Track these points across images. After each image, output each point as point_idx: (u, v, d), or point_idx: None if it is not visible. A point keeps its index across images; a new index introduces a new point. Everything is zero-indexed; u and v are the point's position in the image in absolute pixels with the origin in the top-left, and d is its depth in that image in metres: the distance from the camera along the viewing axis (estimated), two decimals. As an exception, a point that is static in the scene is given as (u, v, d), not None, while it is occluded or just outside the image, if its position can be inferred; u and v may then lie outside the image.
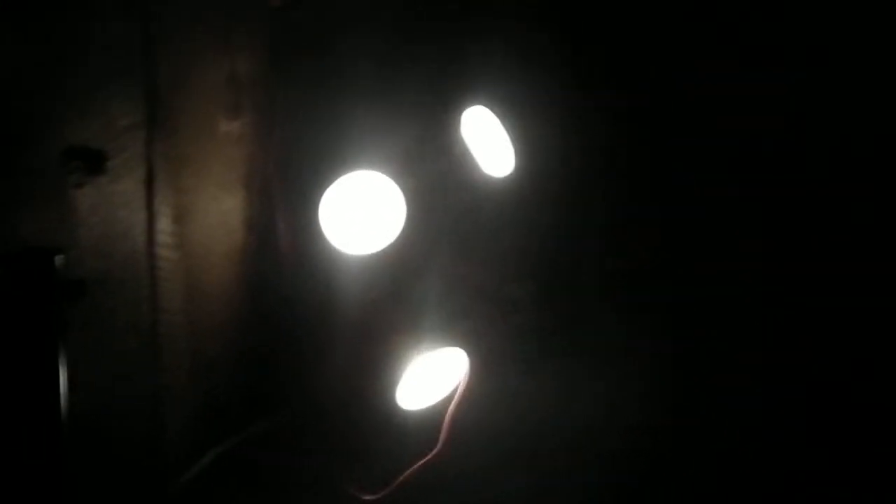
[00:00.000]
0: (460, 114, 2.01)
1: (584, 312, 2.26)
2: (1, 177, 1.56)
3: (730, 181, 2.23)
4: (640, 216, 2.28)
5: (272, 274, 2.00)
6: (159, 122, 1.80)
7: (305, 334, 2.00)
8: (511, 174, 2.09)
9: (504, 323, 2.15)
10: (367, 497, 1.99)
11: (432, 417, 2.03)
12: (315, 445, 2.00)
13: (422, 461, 1.99)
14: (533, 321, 2.21)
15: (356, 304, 1.98)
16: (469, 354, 2.02)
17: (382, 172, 1.91)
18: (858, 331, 2.18)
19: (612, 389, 2.18)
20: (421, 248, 1.97)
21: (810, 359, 2.19)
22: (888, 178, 2.16)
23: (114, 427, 1.76)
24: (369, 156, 1.92)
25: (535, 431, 2.15)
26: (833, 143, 2.19)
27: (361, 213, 1.91)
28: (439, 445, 2.00)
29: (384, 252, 1.93)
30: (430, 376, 2.01)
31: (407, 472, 1.99)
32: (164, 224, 1.83)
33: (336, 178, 1.90)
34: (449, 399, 2.03)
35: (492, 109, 2.08)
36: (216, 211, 1.95)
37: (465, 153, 2.00)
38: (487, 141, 2.06)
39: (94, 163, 1.69)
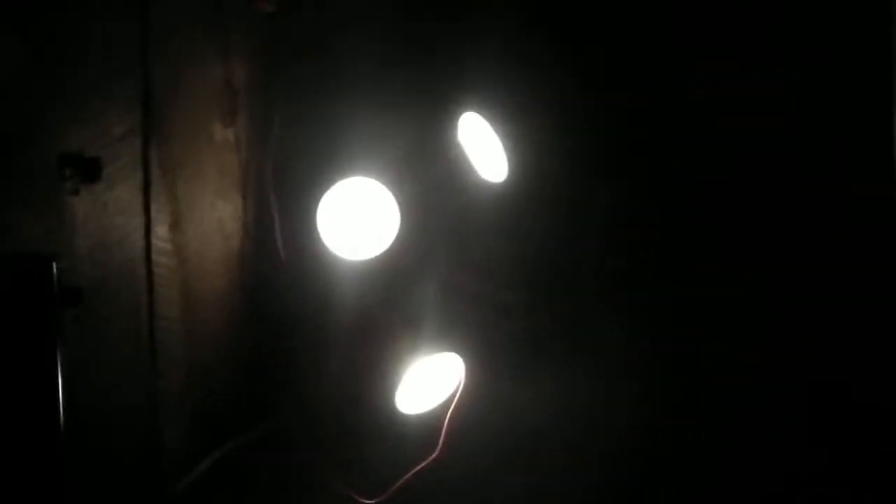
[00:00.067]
0: (456, 119, 2.01)
1: (582, 313, 2.26)
2: (-3, 184, 1.57)
3: (730, 181, 2.22)
4: (639, 216, 2.27)
5: (268, 280, 2.00)
6: (155, 130, 1.80)
7: (302, 340, 2.01)
8: (506, 179, 2.09)
9: (499, 329, 2.15)
10: (366, 501, 1.99)
11: (430, 421, 2.03)
12: (312, 450, 2.00)
13: (420, 465, 2.00)
14: (527, 327, 2.21)
15: (352, 309, 1.98)
16: (466, 359, 2.02)
17: (378, 178, 1.91)
18: (858, 331, 2.17)
19: (611, 390, 2.18)
20: (417, 254, 1.98)
21: (810, 359, 2.18)
22: (888, 178, 2.15)
23: (111, 433, 1.76)
24: (365, 162, 1.92)
25: (533, 433, 2.16)
26: (833, 143, 2.18)
27: (357, 218, 1.91)
28: (438, 449, 2.00)
29: (380, 257, 1.93)
30: (428, 381, 2.01)
31: (406, 476, 1.99)
32: (160, 231, 1.83)
33: (332, 185, 1.90)
34: (447, 403, 2.03)
35: (487, 114, 2.07)
36: (212, 218, 1.96)
37: (460, 158, 2.00)
38: (483, 146, 2.06)
39: (89, 170, 1.69)
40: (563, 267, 2.26)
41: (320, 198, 1.90)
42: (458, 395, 2.02)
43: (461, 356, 2.02)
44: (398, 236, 1.92)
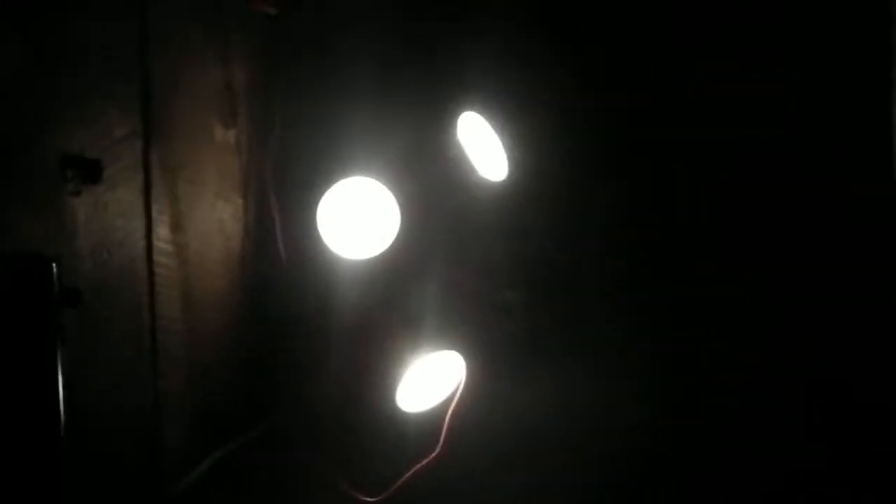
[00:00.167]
0: (455, 118, 2.01)
1: (582, 313, 2.26)
2: (-2, 185, 1.57)
3: (730, 181, 2.23)
4: (639, 216, 2.27)
5: (269, 280, 2.01)
6: (155, 131, 1.81)
7: (303, 339, 2.01)
8: (506, 178, 2.09)
9: (499, 328, 2.15)
10: (367, 499, 2.00)
11: (431, 420, 2.03)
12: (313, 449, 2.00)
13: (421, 463, 2.00)
14: (527, 326, 2.21)
15: (353, 308, 1.99)
16: (466, 357, 2.02)
17: (378, 178, 1.92)
18: (858, 331, 2.17)
19: (611, 389, 2.19)
20: (417, 253, 1.98)
21: (810, 359, 2.18)
22: (887, 178, 2.15)
23: (111, 433, 1.76)
24: (365, 161, 1.92)
25: (533, 432, 2.16)
26: (833, 143, 2.18)
27: (358, 218, 1.91)
28: (438, 447, 2.01)
29: (380, 257, 1.93)
30: (428, 379, 2.02)
31: (407, 474, 2.00)
32: (161, 232, 1.84)
33: (332, 184, 1.90)
34: (447, 401, 2.03)
35: (487, 114, 2.08)
36: (213, 218, 1.96)
37: (460, 158, 2.00)
38: (483, 145, 2.06)
39: (90, 172, 1.69)
40: (562, 266, 2.27)
41: (320, 197, 1.90)
42: (458, 393, 2.02)
43: (461, 355, 2.02)
44: (398, 235, 1.92)
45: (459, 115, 2.02)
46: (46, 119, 1.64)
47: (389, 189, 1.92)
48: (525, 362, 2.18)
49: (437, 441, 2.01)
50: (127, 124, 1.76)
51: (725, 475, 2.19)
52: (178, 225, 1.88)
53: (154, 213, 1.82)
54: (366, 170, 1.92)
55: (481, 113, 2.06)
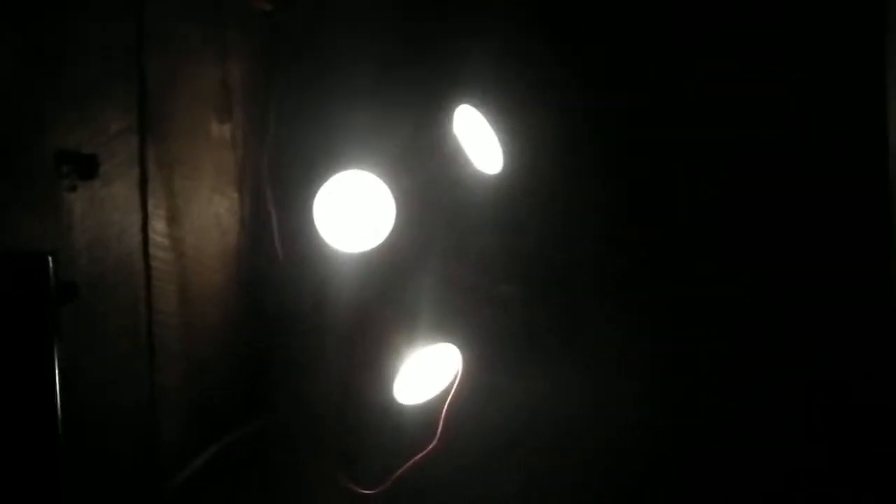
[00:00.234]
0: (452, 112, 2.01)
1: (579, 309, 2.26)
2: (-6, 180, 1.58)
3: (730, 181, 2.22)
4: (638, 215, 2.27)
5: (266, 274, 2.02)
6: (152, 127, 1.82)
7: (299, 333, 2.01)
8: (503, 172, 2.09)
9: (495, 322, 2.16)
10: (364, 492, 2.00)
11: (428, 413, 2.03)
12: (310, 442, 2.01)
13: (418, 456, 2.00)
14: (524, 321, 2.21)
15: (349, 302, 1.99)
16: (462, 350, 2.02)
17: (374, 171, 1.92)
18: (858, 331, 2.16)
19: (607, 386, 2.18)
20: (413, 246, 1.98)
21: (810, 359, 2.18)
22: (888, 178, 2.15)
23: (109, 428, 1.77)
24: (361, 155, 1.93)
25: (529, 426, 2.16)
26: (833, 143, 2.18)
27: (354, 211, 1.92)
28: (435, 440, 2.01)
29: (377, 250, 1.94)
30: (425, 372, 2.02)
31: (403, 467, 2.00)
32: (157, 226, 1.85)
33: (328, 178, 1.91)
34: (444, 394, 2.03)
35: (484, 108, 2.08)
36: (209, 213, 1.97)
37: (456, 151, 2.00)
38: (479, 140, 2.07)
39: (86, 167, 1.70)
40: (560, 262, 2.26)
41: (316, 192, 1.90)
42: (454, 386, 2.02)
43: (459, 347, 2.02)
44: (394, 229, 1.92)
45: (456, 109, 2.02)
46: (43, 115, 1.65)
47: (385, 183, 1.92)
48: (521, 357, 2.18)
49: (434, 434, 2.01)
50: (123, 120, 1.77)
51: (723, 474, 2.19)
52: (174, 220, 1.88)
53: (150, 209, 1.83)
54: (362, 164, 1.92)
55: (478, 108, 2.06)
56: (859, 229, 2.17)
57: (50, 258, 1.53)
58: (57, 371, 1.52)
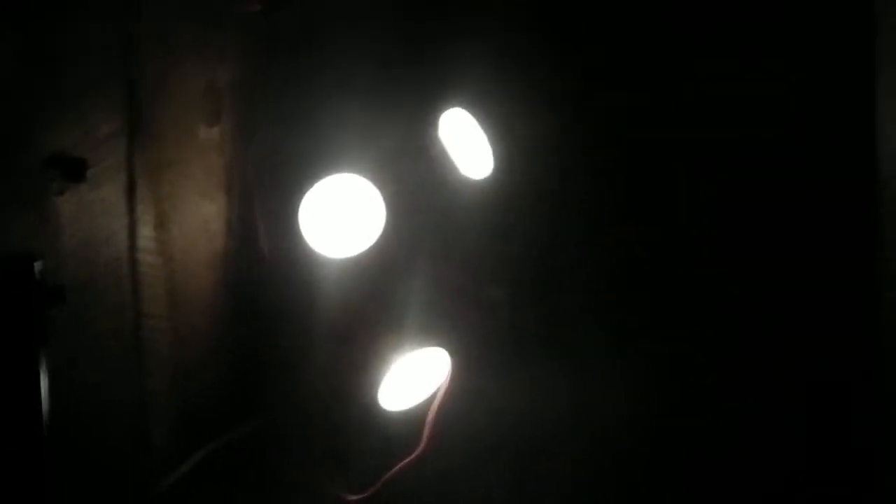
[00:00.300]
0: (439, 116, 2.02)
1: (567, 311, 2.26)
2: (-20, 184, 1.58)
3: (730, 181, 2.23)
4: (637, 216, 2.28)
5: (254, 278, 2.01)
6: (140, 130, 1.81)
7: (288, 337, 2.01)
8: (492, 176, 2.10)
9: (483, 325, 2.16)
10: (352, 497, 2.00)
11: (415, 417, 2.03)
12: (298, 447, 2.01)
13: (405, 461, 2.00)
14: (512, 324, 2.22)
15: (337, 306, 1.99)
16: (451, 354, 2.03)
17: (362, 175, 1.92)
18: (859, 331, 2.17)
19: (595, 387, 2.19)
20: (401, 251, 1.98)
21: (807, 359, 2.18)
22: (888, 178, 2.16)
23: (97, 433, 1.77)
24: (349, 159, 1.92)
25: (517, 429, 2.16)
26: (833, 143, 2.18)
27: (341, 216, 1.92)
28: (423, 445, 2.01)
29: (365, 255, 1.93)
30: (413, 377, 2.02)
31: (391, 472, 2.00)
32: (145, 230, 1.84)
33: (316, 182, 1.91)
34: (431, 399, 2.04)
35: (475, 111, 2.08)
36: (197, 217, 1.97)
37: (444, 155, 2.01)
38: (468, 142, 2.07)
39: (74, 171, 1.70)
40: (548, 264, 2.27)
41: (305, 195, 1.90)
42: (442, 390, 2.03)
43: (447, 351, 2.02)
44: (383, 233, 1.92)
45: (446, 112, 2.02)
46: (30, 118, 1.65)
47: (374, 186, 1.92)
48: (508, 360, 2.18)
49: (422, 438, 2.01)
50: (111, 123, 1.77)
51: (713, 476, 2.20)
52: (162, 223, 1.88)
53: (138, 212, 1.83)
54: (350, 167, 1.92)
55: (469, 110, 2.07)
56: (860, 229, 2.18)
57: (37, 261, 1.53)
58: (44, 375, 1.52)
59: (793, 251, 2.21)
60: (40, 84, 1.66)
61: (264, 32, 2.01)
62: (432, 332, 2.01)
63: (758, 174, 2.21)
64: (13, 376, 1.51)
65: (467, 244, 2.12)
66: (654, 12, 2.27)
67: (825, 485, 2.15)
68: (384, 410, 2.00)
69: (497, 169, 2.09)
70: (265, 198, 1.98)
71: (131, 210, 1.81)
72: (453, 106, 2.04)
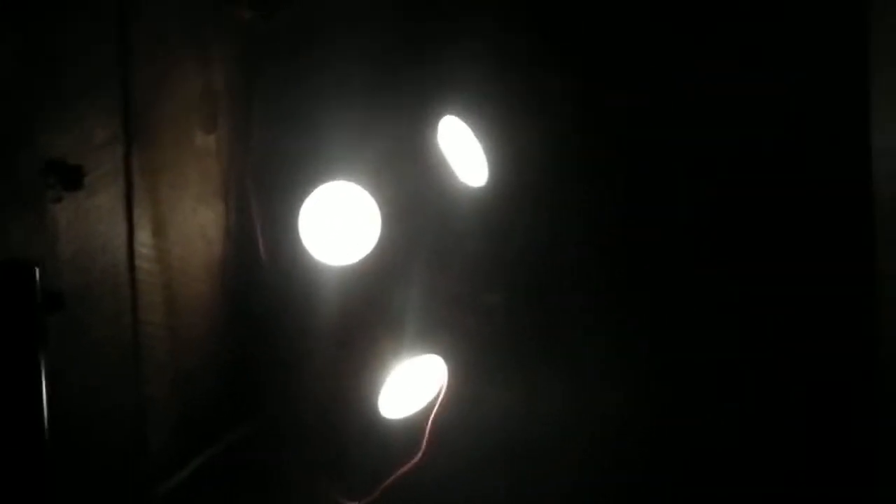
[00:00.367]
0: (436, 124, 2.02)
1: (563, 315, 2.26)
2: (-24, 191, 1.58)
3: (730, 181, 2.23)
4: (636, 216, 2.28)
5: (251, 285, 2.02)
6: (136, 137, 1.82)
7: (285, 344, 2.02)
8: (489, 182, 2.10)
9: (480, 331, 2.16)
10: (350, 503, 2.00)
11: (414, 424, 2.04)
12: (297, 453, 2.01)
13: (404, 467, 2.01)
14: (508, 329, 2.22)
15: (335, 313, 1.99)
16: (448, 361, 2.03)
17: (359, 183, 1.93)
18: (858, 331, 2.17)
19: (592, 391, 2.19)
20: (398, 258, 1.99)
21: (809, 359, 2.18)
22: (889, 178, 2.16)
23: (95, 438, 1.76)
24: (346, 166, 1.93)
25: (515, 435, 2.16)
26: (833, 142, 2.19)
27: (339, 223, 1.92)
28: (421, 451, 2.01)
29: (362, 262, 1.94)
30: (411, 384, 2.02)
31: (390, 479, 2.00)
32: (142, 237, 1.84)
33: (313, 189, 1.92)
34: (430, 405, 2.04)
35: (472, 118, 2.09)
36: (194, 223, 1.97)
37: (440, 163, 2.01)
38: (466, 149, 2.08)
39: (72, 178, 1.70)
40: (547, 265, 2.27)
41: (302, 202, 1.91)
42: (440, 397, 2.03)
43: (444, 358, 2.03)
44: (380, 240, 1.93)
45: (442, 118, 2.03)
46: (27, 125, 1.64)
47: (371, 193, 1.93)
48: (505, 365, 2.19)
49: (420, 444, 2.01)
50: (108, 130, 1.77)
51: (712, 477, 2.20)
52: (159, 230, 1.88)
53: (135, 219, 1.82)
54: (347, 174, 1.93)
55: (465, 117, 2.07)
56: (859, 229, 2.18)
57: (37, 268, 1.52)
58: (43, 380, 1.52)
59: (792, 251, 2.21)
60: (36, 91, 1.65)
61: (261, 38, 2.02)
62: (430, 339, 2.02)
63: (757, 174, 2.22)
64: (13, 382, 1.51)
65: (464, 251, 2.13)
66: (655, 12, 2.27)
67: (825, 485, 2.15)
68: (383, 417, 2.00)
69: (494, 175, 2.09)
70: (263, 204, 1.98)
71: (129, 217, 1.81)
72: (451, 112, 2.05)
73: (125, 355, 1.83)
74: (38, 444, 1.51)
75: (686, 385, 2.23)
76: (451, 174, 2.03)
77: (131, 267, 1.82)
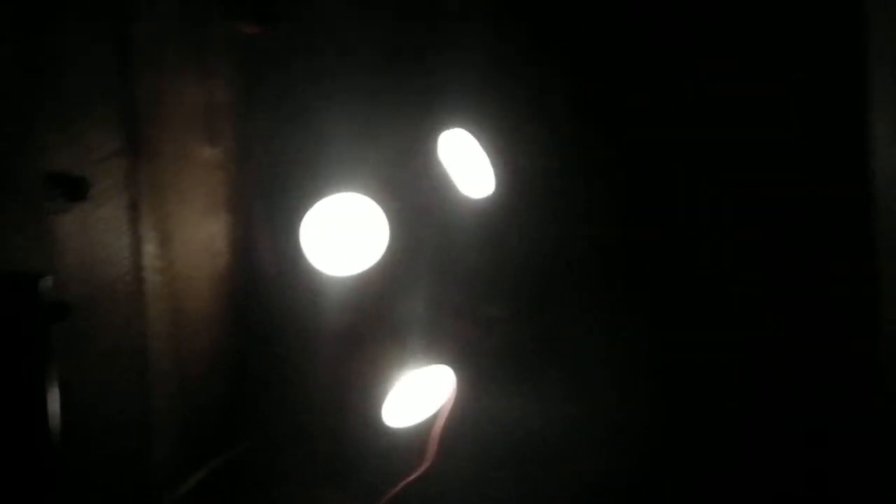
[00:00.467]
0: (442, 135, 2.03)
1: (566, 323, 2.26)
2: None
3: (730, 181, 2.23)
4: (639, 216, 2.28)
5: (256, 296, 2.03)
6: (140, 149, 1.83)
7: (291, 356, 2.02)
8: (494, 191, 2.11)
9: (484, 341, 2.16)
10: (356, 514, 2.01)
11: (420, 434, 2.04)
12: (301, 463, 2.01)
13: (410, 477, 2.01)
14: (512, 339, 2.22)
15: (340, 325, 2.00)
16: (454, 371, 2.04)
17: (364, 194, 1.94)
18: (858, 331, 2.17)
19: (596, 399, 2.19)
20: (402, 269, 1.99)
21: (812, 361, 2.18)
22: (890, 178, 2.16)
23: (101, 448, 1.77)
24: (350, 178, 1.94)
25: (520, 444, 2.16)
26: (833, 142, 2.18)
27: (343, 235, 1.93)
28: (427, 461, 2.02)
29: (366, 273, 1.95)
30: (416, 394, 2.03)
31: (395, 489, 2.01)
32: (148, 249, 1.85)
33: (317, 201, 1.92)
34: (436, 415, 2.04)
35: (475, 129, 2.10)
36: (200, 235, 1.98)
37: (444, 175, 2.02)
38: (467, 162, 2.08)
39: (77, 189, 1.71)
40: (547, 274, 2.27)
41: (306, 214, 1.92)
42: (446, 407, 2.03)
43: (450, 368, 2.03)
44: (385, 251, 1.94)
45: (446, 130, 2.04)
46: (32, 137, 1.66)
47: (377, 205, 1.93)
48: (510, 375, 2.19)
49: (426, 455, 2.02)
50: (113, 142, 1.78)
51: (719, 481, 2.19)
52: (165, 241, 1.89)
53: (141, 231, 1.84)
54: (352, 186, 1.94)
55: (469, 129, 2.08)
56: (860, 230, 2.17)
57: (42, 279, 1.53)
58: (50, 391, 1.53)
59: (792, 251, 2.21)
60: (41, 103, 1.67)
61: (263, 52, 2.03)
62: (435, 350, 2.02)
63: (758, 174, 2.21)
64: (19, 392, 1.51)
65: (467, 263, 2.13)
66: (655, 12, 2.27)
67: (826, 485, 2.14)
68: (388, 427, 2.00)
69: (497, 184, 2.10)
70: (268, 216, 1.99)
71: (134, 229, 1.82)
72: (453, 125, 2.06)
73: (130, 366, 1.84)
74: (46, 454, 1.52)
75: (688, 385, 2.22)
76: (455, 185, 2.04)
77: (137, 278, 1.83)
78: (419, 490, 2.02)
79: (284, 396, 2.05)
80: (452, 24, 2.20)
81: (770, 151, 2.21)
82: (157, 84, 1.89)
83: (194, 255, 1.96)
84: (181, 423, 1.94)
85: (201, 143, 1.98)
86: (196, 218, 1.97)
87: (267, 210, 2.00)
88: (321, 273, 1.93)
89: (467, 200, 2.06)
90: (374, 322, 2.03)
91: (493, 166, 2.10)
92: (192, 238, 1.96)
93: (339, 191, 1.93)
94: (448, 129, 2.05)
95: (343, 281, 1.95)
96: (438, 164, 2.01)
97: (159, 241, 1.88)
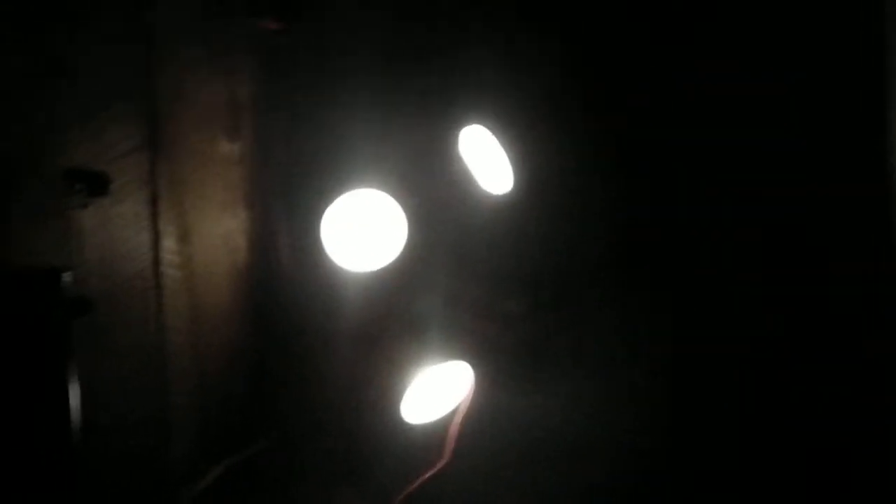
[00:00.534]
0: (462, 130, 2.03)
1: (585, 319, 2.26)
2: (4, 197, 1.59)
3: (730, 181, 2.23)
4: (639, 216, 2.28)
5: (275, 292, 2.02)
6: (162, 144, 1.83)
7: (309, 351, 2.02)
8: (512, 188, 2.10)
9: (503, 337, 2.16)
10: (374, 512, 2.01)
11: (438, 430, 2.04)
12: (319, 460, 2.01)
13: (427, 474, 2.01)
14: (532, 335, 2.22)
15: (359, 320, 2.00)
16: (472, 368, 2.03)
17: (383, 190, 1.94)
18: (858, 332, 2.16)
19: (618, 397, 2.19)
20: (421, 265, 1.99)
21: (818, 359, 2.18)
22: (890, 179, 2.15)
23: (119, 444, 1.77)
24: (369, 174, 1.94)
25: (539, 442, 2.16)
26: (833, 142, 2.18)
27: (362, 230, 1.93)
28: (445, 457, 2.01)
29: (386, 269, 1.95)
30: (434, 390, 2.03)
31: (413, 485, 2.00)
32: (168, 244, 1.86)
33: (336, 197, 1.92)
34: (454, 412, 2.04)
35: (493, 125, 2.09)
36: (219, 231, 1.98)
37: (463, 171, 2.02)
38: (486, 158, 2.08)
39: (97, 185, 1.71)
40: (566, 273, 2.27)
41: (325, 210, 1.92)
42: (464, 403, 2.03)
43: (469, 364, 2.03)
44: (404, 247, 1.94)
45: (465, 127, 2.04)
46: (54, 133, 1.66)
47: (396, 201, 1.93)
48: (530, 372, 2.19)
49: (444, 451, 2.01)
50: (133, 138, 1.79)
51: (740, 479, 2.19)
52: (184, 237, 1.90)
53: (161, 226, 1.84)
54: (371, 182, 1.93)
55: (487, 125, 2.08)
56: (861, 229, 2.17)
57: (64, 274, 1.54)
58: (71, 385, 1.53)
59: (793, 251, 2.21)
60: (62, 99, 1.67)
61: (283, 48, 2.03)
62: (454, 346, 2.02)
63: (758, 174, 2.21)
64: (42, 388, 1.52)
65: (486, 259, 2.13)
66: (655, 13, 2.27)
67: (828, 485, 2.15)
68: (406, 424, 2.00)
69: (516, 181, 2.10)
70: (287, 212, 1.99)
71: (154, 223, 1.82)
72: (475, 121, 2.05)
73: (149, 361, 1.84)
74: (67, 448, 1.52)
75: (694, 385, 2.22)
76: (475, 182, 2.03)
77: (156, 273, 1.84)
78: (436, 487, 2.01)
79: (302, 394, 2.05)
80: (466, 20, 2.19)
81: (772, 152, 2.21)
82: (178, 80, 1.89)
83: (213, 251, 1.96)
84: (199, 420, 1.94)
85: (221, 139, 1.98)
86: (215, 214, 1.97)
87: (286, 206, 2.00)
88: (340, 269, 1.93)
89: (486, 197, 2.05)
90: (392, 318, 2.02)
91: (512, 163, 2.09)
92: (212, 234, 1.96)
93: (357, 187, 1.93)
94: (467, 125, 2.04)
95: (362, 277, 1.95)
96: (457, 160, 2.01)
97: (179, 236, 1.88)
